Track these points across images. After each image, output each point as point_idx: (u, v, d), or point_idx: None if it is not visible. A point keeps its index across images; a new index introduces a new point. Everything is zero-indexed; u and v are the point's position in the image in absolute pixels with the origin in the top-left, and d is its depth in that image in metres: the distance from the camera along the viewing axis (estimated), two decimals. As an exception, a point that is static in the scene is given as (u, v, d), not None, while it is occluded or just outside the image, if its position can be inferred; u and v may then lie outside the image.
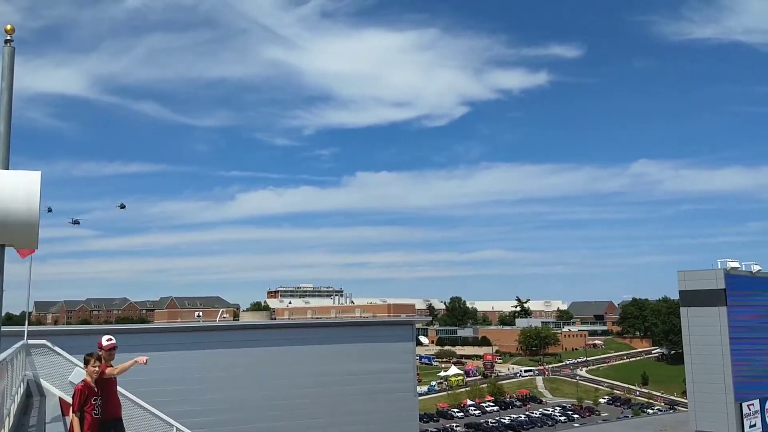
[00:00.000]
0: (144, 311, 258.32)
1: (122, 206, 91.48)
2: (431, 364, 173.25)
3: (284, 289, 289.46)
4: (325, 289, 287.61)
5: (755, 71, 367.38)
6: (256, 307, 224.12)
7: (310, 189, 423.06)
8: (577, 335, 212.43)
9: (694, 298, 66.72)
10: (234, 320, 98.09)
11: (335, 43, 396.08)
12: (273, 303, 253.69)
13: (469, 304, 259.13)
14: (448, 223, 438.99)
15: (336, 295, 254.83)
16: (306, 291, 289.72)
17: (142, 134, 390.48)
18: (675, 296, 76.47)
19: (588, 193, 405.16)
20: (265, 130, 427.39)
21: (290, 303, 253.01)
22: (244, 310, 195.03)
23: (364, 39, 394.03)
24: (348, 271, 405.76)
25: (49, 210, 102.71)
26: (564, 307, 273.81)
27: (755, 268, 70.44)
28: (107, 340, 10.27)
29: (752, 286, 69.16)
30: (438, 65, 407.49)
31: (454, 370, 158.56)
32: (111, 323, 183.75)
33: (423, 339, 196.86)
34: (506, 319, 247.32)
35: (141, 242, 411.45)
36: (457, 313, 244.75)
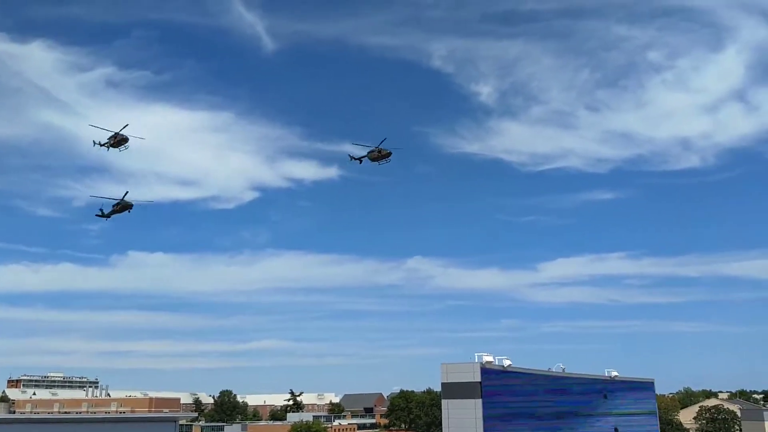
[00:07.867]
0: None
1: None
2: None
3: (29, 378, 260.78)
4: (78, 379, 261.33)
5: (512, 186, 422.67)
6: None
7: (71, 266, 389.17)
8: (346, 429, 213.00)
9: (453, 390, 71.09)
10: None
11: (118, 114, 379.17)
12: (13, 394, 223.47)
13: (240, 398, 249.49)
14: (225, 311, 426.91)
15: (90, 386, 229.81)
16: (55, 381, 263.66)
17: None
18: (439, 388, 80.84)
19: (368, 284, 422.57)
20: (28, 198, 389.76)
21: (34, 394, 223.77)
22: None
23: (151, 113, 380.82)
24: (107, 359, 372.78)
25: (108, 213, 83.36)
26: (337, 399, 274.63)
27: (506, 362, 77.55)
28: None
29: (503, 379, 75.70)
30: (230, 148, 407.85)
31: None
32: None
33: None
34: (278, 414, 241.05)
35: None
36: (227, 407, 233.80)
